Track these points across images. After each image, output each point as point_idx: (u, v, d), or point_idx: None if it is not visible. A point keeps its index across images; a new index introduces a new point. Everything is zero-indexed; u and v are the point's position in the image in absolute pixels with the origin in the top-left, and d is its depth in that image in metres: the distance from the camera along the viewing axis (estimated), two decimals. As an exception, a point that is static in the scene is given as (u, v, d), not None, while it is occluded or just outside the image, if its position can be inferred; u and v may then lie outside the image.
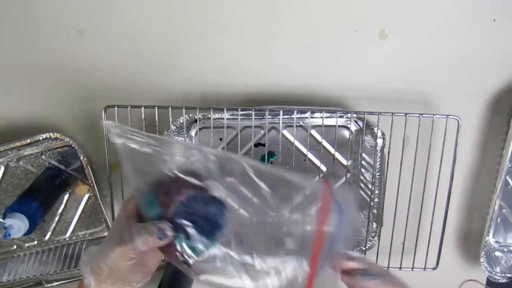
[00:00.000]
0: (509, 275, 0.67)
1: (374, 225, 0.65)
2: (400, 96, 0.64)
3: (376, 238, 0.65)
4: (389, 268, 0.64)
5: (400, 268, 0.64)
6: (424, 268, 0.64)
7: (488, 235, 0.66)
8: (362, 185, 0.66)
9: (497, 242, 0.70)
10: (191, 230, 0.38)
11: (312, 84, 0.64)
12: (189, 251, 0.38)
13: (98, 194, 0.64)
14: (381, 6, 0.61)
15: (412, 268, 0.64)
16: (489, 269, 0.67)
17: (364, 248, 0.65)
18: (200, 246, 0.38)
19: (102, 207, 0.65)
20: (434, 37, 0.62)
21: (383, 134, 0.61)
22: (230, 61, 0.63)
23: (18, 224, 0.57)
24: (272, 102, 0.63)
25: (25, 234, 0.59)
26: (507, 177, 0.66)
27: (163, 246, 0.38)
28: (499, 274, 0.67)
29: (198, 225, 0.38)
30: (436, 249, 0.64)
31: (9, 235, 0.57)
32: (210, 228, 0.39)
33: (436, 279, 0.65)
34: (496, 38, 0.62)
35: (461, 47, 0.63)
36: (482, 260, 0.66)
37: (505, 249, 0.69)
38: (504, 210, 0.68)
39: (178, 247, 0.38)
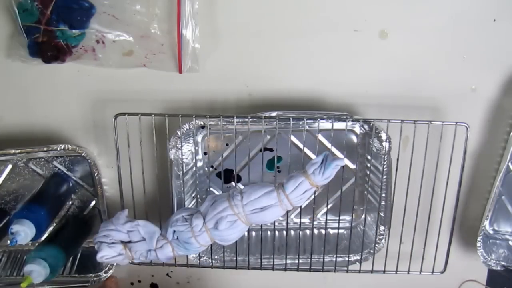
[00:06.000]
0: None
1: (382, 228, 0.65)
2: (400, 94, 0.65)
3: (384, 241, 0.65)
4: (397, 272, 0.64)
5: (408, 272, 0.64)
6: (432, 272, 0.64)
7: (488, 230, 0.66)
8: (369, 188, 0.66)
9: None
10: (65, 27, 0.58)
11: (312, 84, 0.65)
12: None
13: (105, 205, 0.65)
14: (382, 6, 0.62)
15: (420, 272, 0.64)
16: (489, 263, 0.67)
17: (372, 251, 0.65)
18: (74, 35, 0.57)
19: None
20: (434, 37, 0.63)
21: (389, 138, 0.61)
22: (232, 64, 0.64)
23: (25, 231, 0.56)
24: (277, 107, 0.63)
25: (31, 240, 0.58)
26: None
27: None
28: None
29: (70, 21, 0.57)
30: (444, 252, 0.64)
31: (16, 241, 0.56)
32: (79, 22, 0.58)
33: (436, 279, 0.65)
34: (496, 38, 0.63)
35: (461, 47, 0.63)
36: (482, 260, 0.67)
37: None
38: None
39: (61, 40, 0.58)
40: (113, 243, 0.55)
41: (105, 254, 0.54)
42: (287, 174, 0.65)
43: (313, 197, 0.61)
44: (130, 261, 0.56)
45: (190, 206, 0.67)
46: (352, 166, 0.67)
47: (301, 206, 0.65)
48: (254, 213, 0.52)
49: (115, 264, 0.68)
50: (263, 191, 0.52)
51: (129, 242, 0.55)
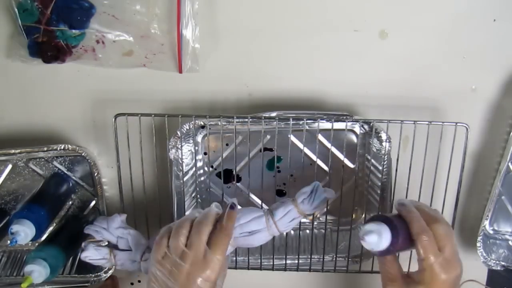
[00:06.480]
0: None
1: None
2: (400, 94, 0.65)
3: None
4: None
5: (408, 272, 0.64)
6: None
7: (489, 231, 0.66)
8: (369, 188, 0.66)
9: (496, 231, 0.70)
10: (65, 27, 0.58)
11: (312, 84, 0.65)
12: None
13: (104, 205, 0.65)
14: (382, 6, 0.62)
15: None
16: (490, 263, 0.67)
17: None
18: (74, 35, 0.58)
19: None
20: (434, 37, 0.63)
21: (389, 138, 0.61)
22: (232, 64, 0.64)
23: (25, 231, 0.57)
24: (277, 107, 0.63)
25: (31, 240, 0.58)
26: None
27: None
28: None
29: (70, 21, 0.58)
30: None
31: (16, 241, 0.56)
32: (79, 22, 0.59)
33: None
34: (496, 38, 0.63)
35: (461, 47, 0.63)
36: (482, 260, 0.67)
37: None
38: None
39: (61, 40, 0.59)
40: (100, 246, 0.55)
41: (89, 255, 0.55)
42: (287, 174, 0.66)
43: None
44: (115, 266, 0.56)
45: (190, 206, 0.67)
46: (352, 166, 0.67)
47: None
48: (242, 237, 0.52)
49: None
50: (253, 216, 0.52)
51: (117, 247, 0.56)
